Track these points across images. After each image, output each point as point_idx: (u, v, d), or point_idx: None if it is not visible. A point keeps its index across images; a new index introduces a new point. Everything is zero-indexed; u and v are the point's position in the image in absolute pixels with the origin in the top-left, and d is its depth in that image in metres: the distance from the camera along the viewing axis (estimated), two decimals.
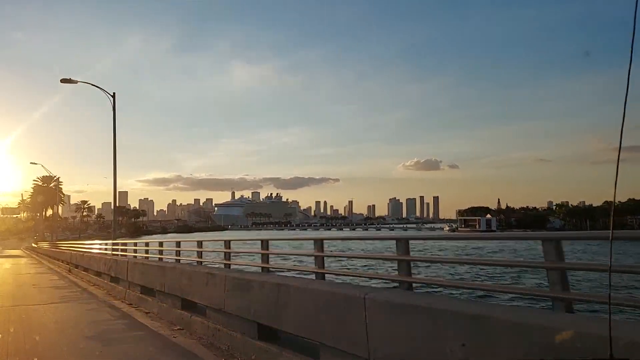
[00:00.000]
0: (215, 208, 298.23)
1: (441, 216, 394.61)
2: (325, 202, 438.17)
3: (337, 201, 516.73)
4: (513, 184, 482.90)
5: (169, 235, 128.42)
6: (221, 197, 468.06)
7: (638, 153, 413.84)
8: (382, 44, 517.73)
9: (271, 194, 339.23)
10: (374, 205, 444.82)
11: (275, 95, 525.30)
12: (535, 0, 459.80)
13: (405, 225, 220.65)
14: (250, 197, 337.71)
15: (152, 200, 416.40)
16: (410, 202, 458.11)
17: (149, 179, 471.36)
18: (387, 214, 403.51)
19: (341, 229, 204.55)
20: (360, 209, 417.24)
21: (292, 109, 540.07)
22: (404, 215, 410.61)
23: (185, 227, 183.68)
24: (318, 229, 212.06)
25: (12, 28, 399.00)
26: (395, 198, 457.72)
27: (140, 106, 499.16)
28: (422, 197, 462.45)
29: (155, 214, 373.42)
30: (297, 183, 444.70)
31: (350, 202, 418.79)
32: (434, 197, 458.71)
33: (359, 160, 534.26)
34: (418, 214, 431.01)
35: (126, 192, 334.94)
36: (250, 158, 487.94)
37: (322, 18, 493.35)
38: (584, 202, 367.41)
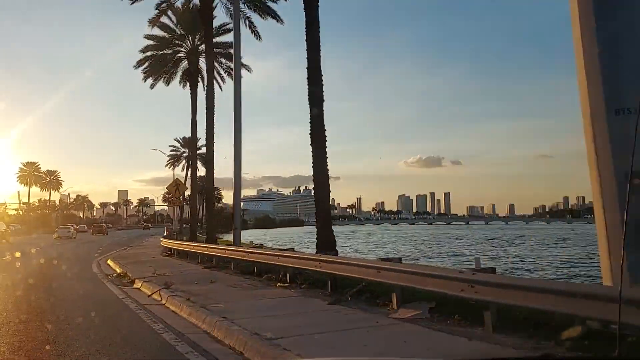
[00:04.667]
0: (242, 203, 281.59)
1: (452, 212, 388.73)
2: (333, 199, 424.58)
3: (341, 199, 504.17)
4: (518, 180, 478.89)
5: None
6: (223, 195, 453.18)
7: None
8: (388, 39, 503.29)
9: (299, 187, 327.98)
10: (383, 202, 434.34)
11: (276, 92, 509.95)
12: None
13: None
14: (255, 193, 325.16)
15: (152, 199, 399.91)
16: (421, 198, 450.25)
17: (147, 179, 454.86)
18: (396, 209, 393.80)
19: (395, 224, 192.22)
20: (367, 205, 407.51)
21: (293, 106, 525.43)
22: (414, 211, 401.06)
23: (267, 221, 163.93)
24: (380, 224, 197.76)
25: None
26: (405, 194, 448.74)
27: (136, 104, 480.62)
28: (432, 194, 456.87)
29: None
30: (298, 181, 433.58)
31: (359, 199, 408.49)
32: (444, 193, 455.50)
33: (360, 158, 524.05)
34: (429, 209, 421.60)
35: (126, 191, 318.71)
36: (249, 157, 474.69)
37: (328, 8, 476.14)
38: None
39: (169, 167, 73.07)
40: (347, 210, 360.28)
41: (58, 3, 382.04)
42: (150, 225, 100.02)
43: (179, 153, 74.64)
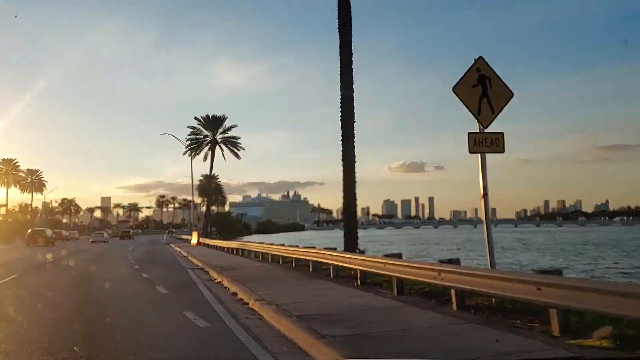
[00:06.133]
0: (231, 209, 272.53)
1: (436, 216, 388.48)
2: (319, 204, 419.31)
3: (326, 204, 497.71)
4: (499, 184, 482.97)
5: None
6: None
7: (621, 151, 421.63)
8: (371, 43, 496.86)
9: (287, 192, 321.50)
10: (368, 207, 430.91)
11: (260, 97, 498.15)
12: (519, 1, 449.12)
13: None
14: (241, 199, 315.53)
15: (136, 203, 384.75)
16: (405, 203, 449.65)
17: (129, 185, 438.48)
18: (379, 214, 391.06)
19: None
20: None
21: (277, 111, 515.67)
22: (399, 215, 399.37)
23: (270, 225, 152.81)
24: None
25: None
26: (389, 199, 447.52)
27: (116, 108, 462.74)
28: (417, 198, 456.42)
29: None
30: (282, 187, 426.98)
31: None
32: (429, 197, 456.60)
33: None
34: (413, 214, 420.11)
35: (109, 198, 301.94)
36: (233, 163, 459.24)
37: (314, 12, 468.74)
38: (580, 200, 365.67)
39: (187, 155, 60.51)
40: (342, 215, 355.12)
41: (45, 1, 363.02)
42: (173, 230, 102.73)
43: (200, 137, 62.32)
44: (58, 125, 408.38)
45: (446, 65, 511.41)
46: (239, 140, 64.04)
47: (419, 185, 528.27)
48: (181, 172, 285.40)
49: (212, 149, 60.94)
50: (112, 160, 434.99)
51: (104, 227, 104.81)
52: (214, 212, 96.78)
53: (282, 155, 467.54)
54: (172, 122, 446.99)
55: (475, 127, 8.72)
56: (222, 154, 62.23)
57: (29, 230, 48.27)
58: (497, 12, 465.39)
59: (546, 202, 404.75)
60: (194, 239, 45.42)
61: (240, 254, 27.55)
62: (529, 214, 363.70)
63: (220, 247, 34.60)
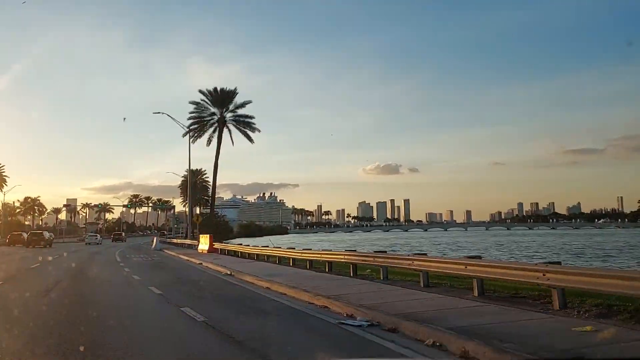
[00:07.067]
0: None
1: (412, 218, 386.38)
2: (293, 206, 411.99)
3: (300, 207, 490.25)
4: (473, 187, 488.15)
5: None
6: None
7: (589, 155, 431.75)
8: (349, 47, 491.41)
9: (263, 193, 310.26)
10: (343, 210, 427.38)
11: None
12: (494, 6, 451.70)
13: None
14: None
15: (105, 204, 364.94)
16: (381, 205, 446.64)
17: (97, 187, 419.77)
18: (356, 215, 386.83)
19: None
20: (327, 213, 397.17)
21: (253, 113, 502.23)
22: (375, 217, 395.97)
23: (253, 228, 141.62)
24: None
25: None
26: (365, 201, 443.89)
27: (85, 107, 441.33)
28: (392, 201, 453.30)
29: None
30: (256, 189, 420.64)
31: (320, 207, 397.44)
32: (404, 200, 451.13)
33: (319, 165, 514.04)
34: (389, 216, 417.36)
35: (75, 199, 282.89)
36: (205, 164, 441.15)
37: (293, 13, 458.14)
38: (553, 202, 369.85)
39: (188, 137, 47.05)
40: (324, 217, 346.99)
41: None
42: (165, 232, 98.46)
43: (204, 116, 50.40)
44: (22, 123, 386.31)
45: (422, 69, 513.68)
46: (252, 120, 51.99)
47: (394, 187, 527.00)
48: (151, 173, 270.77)
49: (219, 130, 49.52)
50: (79, 161, 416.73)
51: (74, 230, 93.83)
52: (197, 213, 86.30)
53: (255, 157, 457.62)
54: (144, 123, 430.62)
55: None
56: (231, 136, 50.60)
57: (29, 233, 52.86)
58: (471, 17, 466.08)
59: (520, 205, 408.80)
60: (204, 244, 35.59)
61: (307, 266, 18.50)
62: (503, 216, 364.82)
63: (264, 256, 24.60)
